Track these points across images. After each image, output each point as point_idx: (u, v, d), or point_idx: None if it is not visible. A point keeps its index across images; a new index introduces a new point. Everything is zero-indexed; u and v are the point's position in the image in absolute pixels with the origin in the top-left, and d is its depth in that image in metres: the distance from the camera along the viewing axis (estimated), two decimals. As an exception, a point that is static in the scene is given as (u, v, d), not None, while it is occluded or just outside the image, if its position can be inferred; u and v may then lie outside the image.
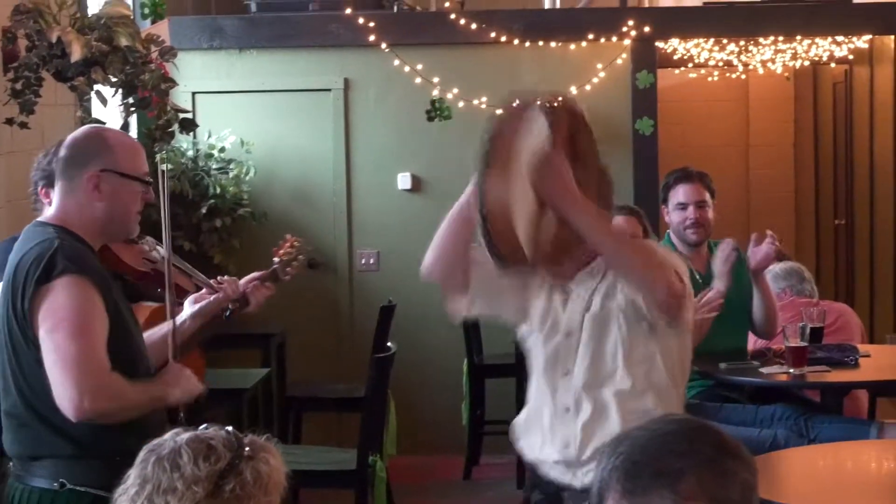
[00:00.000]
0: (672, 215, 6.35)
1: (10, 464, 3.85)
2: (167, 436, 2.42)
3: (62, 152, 3.87)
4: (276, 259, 5.01)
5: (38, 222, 3.86)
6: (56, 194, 3.87)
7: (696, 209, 6.29)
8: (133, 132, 7.07)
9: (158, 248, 4.25)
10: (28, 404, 3.69)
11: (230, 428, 2.44)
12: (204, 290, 4.49)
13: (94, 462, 3.70)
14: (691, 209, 6.29)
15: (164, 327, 4.13)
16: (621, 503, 2.02)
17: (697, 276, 6.17)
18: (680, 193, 6.32)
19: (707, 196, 6.35)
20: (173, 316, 4.06)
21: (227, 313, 4.59)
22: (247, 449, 2.39)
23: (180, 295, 4.40)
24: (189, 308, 4.37)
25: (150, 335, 4.12)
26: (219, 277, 4.55)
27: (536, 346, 4.06)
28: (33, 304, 3.62)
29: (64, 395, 3.57)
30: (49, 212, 3.89)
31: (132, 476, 2.39)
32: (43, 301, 3.61)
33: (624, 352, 3.89)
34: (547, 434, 4.01)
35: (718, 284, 5.98)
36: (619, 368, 3.90)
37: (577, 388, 3.93)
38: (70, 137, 3.92)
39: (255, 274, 4.76)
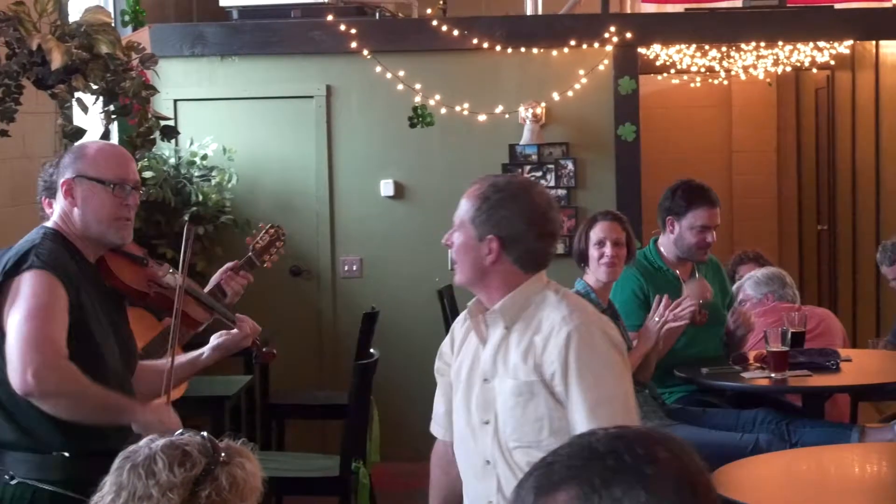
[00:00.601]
0: (686, 233, 6.34)
1: None
2: (142, 442, 2.42)
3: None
4: (249, 247, 5.07)
5: (39, 226, 4.03)
6: (55, 206, 4.08)
7: (712, 233, 6.36)
8: (114, 139, 7.05)
9: (176, 275, 4.26)
10: None
11: (205, 434, 2.44)
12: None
13: (48, 457, 3.79)
14: (710, 233, 6.34)
15: (184, 358, 4.32)
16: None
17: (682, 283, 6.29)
18: (704, 217, 6.34)
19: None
20: (175, 337, 4.10)
21: (255, 360, 4.69)
22: (223, 454, 2.38)
23: (191, 325, 4.45)
24: (212, 341, 4.46)
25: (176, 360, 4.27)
26: (242, 316, 4.57)
27: None
28: (2, 295, 3.78)
29: (11, 368, 3.68)
30: (52, 219, 4.06)
31: (108, 483, 2.39)
32: (9, 292, 3.77)
33: None
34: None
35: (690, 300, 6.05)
36: None
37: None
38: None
39: (228, 264, 4.84)
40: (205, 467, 2.35)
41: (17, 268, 3.78)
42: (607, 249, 5.84)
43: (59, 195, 3.99)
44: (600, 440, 1.95)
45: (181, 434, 2.42)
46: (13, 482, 3.76)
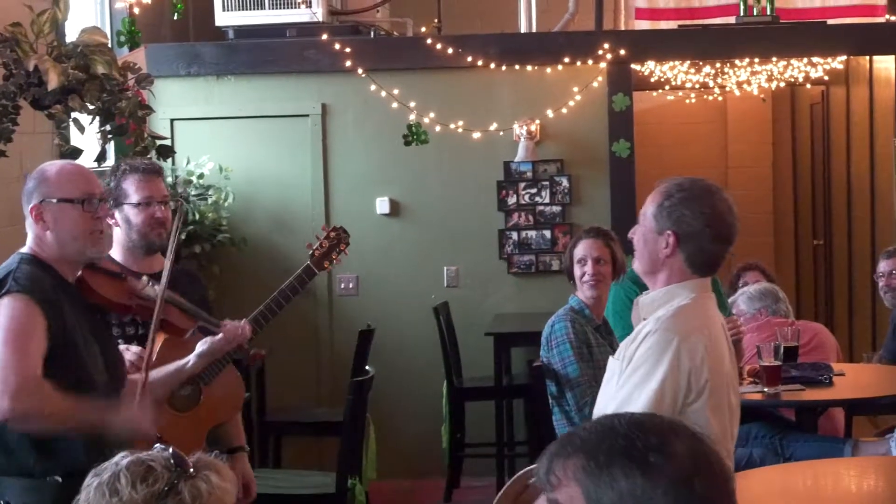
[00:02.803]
0: None
1: None
2: (113, 459, 2.44)
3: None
4: (309, 252, 5.22)
5: (16, 253, 4.05)
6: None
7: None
8: (111, 159, 7.08)
9: (156, 287, 4.32)
10: None
11: (173, 448, 2.46)
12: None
13: (41, 482, 3.83)
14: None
15: (170, 367, 4.42)
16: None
17: None
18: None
19: None
20: (151, 346, 4.16)
21: (243, 362, 4.72)
22: (190, 469, 2.41)
23: (175, 333, 4.48)
24: (197, 348, 4.51)
25: (160, 370, 4.40)
26: (226, 321, 4.60)
27: None
28: None
29: None
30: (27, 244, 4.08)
31: (80, 501, 2.42)
32: None
33: None
34: None
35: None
36: None
37: None
38: None
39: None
40: (167, 482, 2.37)
41: None
42: (588, 268, 5.87)
43: (30, 221, 4.02)
44: (622, 422, 2.06)
45: (151, 450, 2.45)
46: None
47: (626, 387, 3.75)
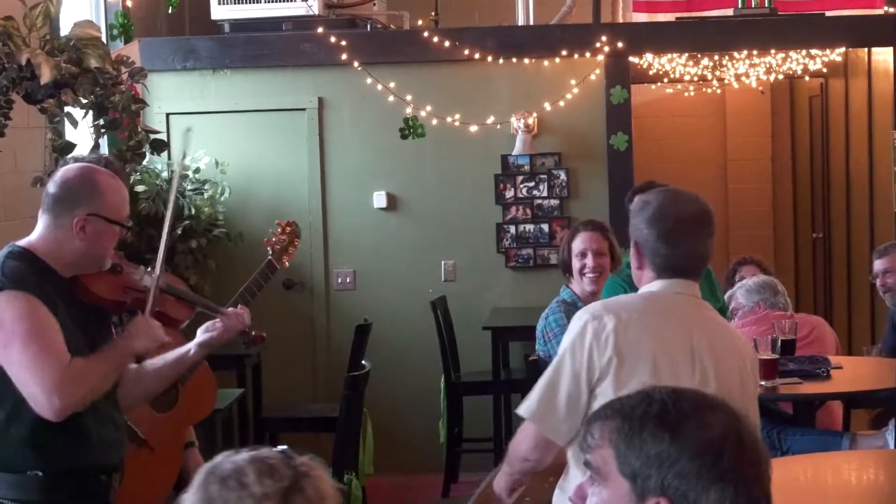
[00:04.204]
0: None
1: None
2: (220, 458, 2.41)
3: (51, 188, 3.94)
4: (269, 249, 5.15)
5: (9, 244, 3.94)
6: (39, 224, 3.94)
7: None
8: (104, 153, 7.05)
9: (151, 274, 4.25)
10: None
11: (285, 447, 2.45)
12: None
13: (23, 476, 3.80)
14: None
15: (170, 355, 4.33)
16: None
17: None
18: None
19: None
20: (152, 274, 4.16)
21: (245, 345, 4.68)
22: (302, 468, 2.39)
23: (171, 325, 4.43)
24: (198, 336, 4.44)
25: (156, 362, 4.30)
26: (229, 309, 4.55)
27: None
28: None
29: (36, 402, 3.67)
30: (29, 237, 3.95)
31: (190, 501, 2.38)
32: None
33: None
34: None
35: None
36: None
37: None
38: (61, 175, 3.98)
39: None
40: (291, 479, 2.36)
41: None
42: (588, 261, 5.84)
43: (61, 224, 3.88)
44: (660, 391, 2.20)
45: (258, 450, 2.43)
46: None
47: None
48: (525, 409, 3.76)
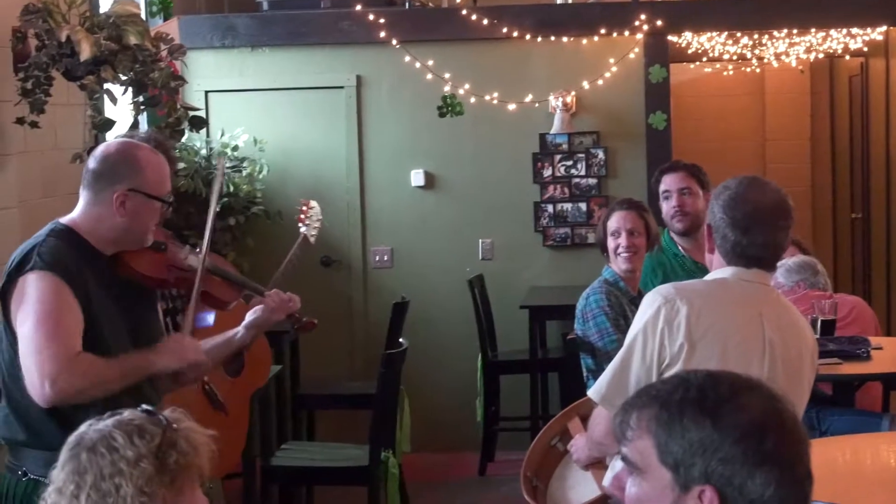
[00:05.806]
0: (663, 205, 6.24)
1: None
2: (83, 427, 2.41)
3: (91, 164, 3.94)
4: (301, 226, 5.22)
5: (52, 222, 3.94)
6: (81, 201, 3.95)
7: (684, 198, 6.18)
8: (143, 130, 7.07)
9: (197, 254, 4.25)
10: (6, 388, 3.85)
11: (145, 406, 2.45)
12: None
13: (56, 454, 3.77)
14: (679, 198, 6.17)
15: (219, 338, 4.37)
16: None
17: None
18: (667, 182, 6.18)
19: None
20: (192, 315, 4.13)
21: (293, 330, 4.69)
22: (169, 423, 2.39)
23: (216, 306, 4.43)
24: (247, 318, 4.44)
25: (209, 341, 4.33)
26: (272, 291, 4.53)
27: None
28: (6, 293, 3.77)
29: (31, 383, 3.68)
30: (72, 213, 3.95)
31: (61, 476, 2.37)
32: (14, 292, 3.75)
33: None
34: None
35: None
36: None
37: None
38: (101, 150, 3.98)
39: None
40: (161, 436, 2.35)
41: (20, 268, 3.75)
42: (622, 240, 5.81)
43: (102, 200, 3.88)
44: (696, 376, 2.16)
45: (119, 413, 2.42)
46: (24, 479, 3.79)
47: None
48: (595, 391, 3.76)
